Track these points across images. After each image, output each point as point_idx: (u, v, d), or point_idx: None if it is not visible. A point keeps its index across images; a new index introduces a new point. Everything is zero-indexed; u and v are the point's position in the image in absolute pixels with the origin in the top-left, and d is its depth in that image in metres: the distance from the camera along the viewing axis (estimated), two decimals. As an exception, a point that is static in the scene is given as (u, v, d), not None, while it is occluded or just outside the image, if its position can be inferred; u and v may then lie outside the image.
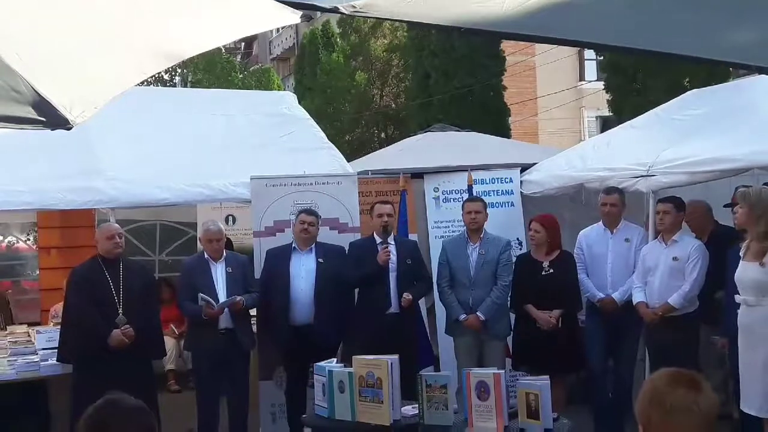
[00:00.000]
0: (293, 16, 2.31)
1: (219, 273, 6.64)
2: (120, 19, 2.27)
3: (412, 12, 2.29)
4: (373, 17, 2.37)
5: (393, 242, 6.74)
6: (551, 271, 6.72)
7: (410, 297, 6.59)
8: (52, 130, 2.49)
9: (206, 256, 6.71)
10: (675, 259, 6.35)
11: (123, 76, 2.42)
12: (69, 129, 2.46)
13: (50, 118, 2.39)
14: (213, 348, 6.52)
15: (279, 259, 6.80)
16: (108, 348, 6.11)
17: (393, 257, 6.65)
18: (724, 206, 6.81)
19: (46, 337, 6.99)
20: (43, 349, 6.85)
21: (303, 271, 6.71)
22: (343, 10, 2.20)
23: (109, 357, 6.06)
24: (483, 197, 7.48)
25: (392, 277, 6.66)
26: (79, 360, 6.27)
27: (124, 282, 6.30)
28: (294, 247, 6.79)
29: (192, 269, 6.74)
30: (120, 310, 6.21)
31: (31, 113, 2.38)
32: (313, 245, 6.79)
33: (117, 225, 6.63)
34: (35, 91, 2.34)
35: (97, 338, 6.14)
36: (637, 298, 6.48)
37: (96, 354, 6.09)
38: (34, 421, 6.78)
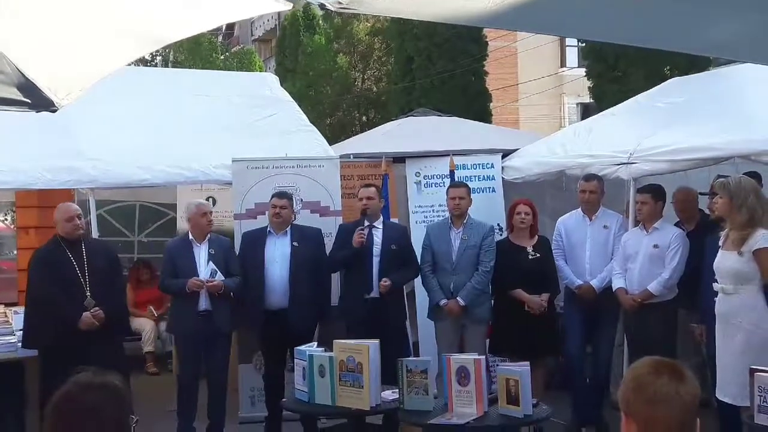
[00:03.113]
0: (279, 4, 2.30)
1: (202, 254, 6.60)
2: (105, 2, 2.24)
3: (397, 8, 2.29)
4: (359, 13, 2.36)
5: (380, 226, 6.74)
6: (537, 255, 6.76)
7: (388, 282, 6.57)
8: (37, 112, 2.46)
9: (190, 237, 6.66)
10: (655, 246, 6.38)
11: (109, 59, 2.39)
12: (54, 111, 2.43)
13: (36, 99, 2.36)
14: (192, 330, 6.50)
15: (254, 242, 6.78)
16: (77, 331, 5.99)
17: (378, 240, 6.65)
18: (700, 194, 6.85)
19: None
20: (21, 329, 6.78)
21: (278, 255, 6.68)
22: (329, 6, 2.19)
23: (78, 340, 5.92)
24: (464, 182, 7.49)
25: (375, 261, 6.64)
26: (47, 345, 6.13)
27: (89, 262, 6.15)
28: (269, 231, 6.76)
29: (175, 250, 6.70)
30: (87, 292, 6.10)
31: (17, 94, 2.35)
32: (288, 228, 6.76)
33: (75, 205, 6.45)
34: (21, 72, 2.31)
35: (66, 322, 6.01)
36: (617, 284, 6.52)
37: (65, 338, 5.96)
38: (9, 402, 6.72)
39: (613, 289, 6.55)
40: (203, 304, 6.51)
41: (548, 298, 6.68)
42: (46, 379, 5.97)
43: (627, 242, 6.57)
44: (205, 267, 6.54)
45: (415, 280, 7.15)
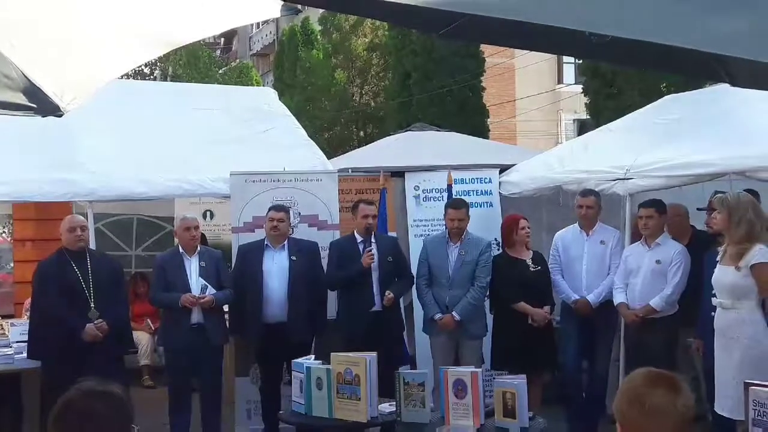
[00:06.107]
0: (283, 9, 2.33)
1: (193, 267, 6.60)
2: (111, 7, 2.27)
3: None
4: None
5: (374, 240, 6.75)
6: (538, 267, 6.79)
7: (392, 295, 6.62)
8: (43, 116, 2.48)
9: (181, 250, 6.67)
10: (658, 262, 6.38)
11: (114, 63, 2.41)
12: (60, 116, 2.45)
13: (41, 104, 2.38)
14: (184, 343, 6.48)
15: (251, 255, 6.77)
16: (80, 343, 6.03)
17: (375, 254, 6.68)
18: (698, 209, 6.87)
19: (20, 330, 6.91)
20: (17, 342, 6.77)
21: (276, 268, 6.68)
22: None
23: (81, 351, 5.97)
24: (462, 197, 7.52)
25: (374, 276, 6.67)
26: (51, 356, 6.17)
27: (93, 274, 6.22)
28: (266, 245, 6.76)
29: (165, 263, 6.69)
30: (92, 303, 6.15)
31: (23, 99, 2.37)
32: (286, 242, 6.76)
33: (81, 217, 6.51)
34: (26, 77, 2.33)
35: (70, 333, 6.05)
36: (618, 299, 6.53)
37: (68, 349, 6.00)
38: (6, 414, 6.71)
39: (615, 304, 6.56)
40: (195, 317, 6.49)
41: (551, 310, 6.72)
42: (48, 390, 5.97)
43: (629, 257, 6.57)
44: (196, 280, 6.53)
45: (414, 293, 7.18)
